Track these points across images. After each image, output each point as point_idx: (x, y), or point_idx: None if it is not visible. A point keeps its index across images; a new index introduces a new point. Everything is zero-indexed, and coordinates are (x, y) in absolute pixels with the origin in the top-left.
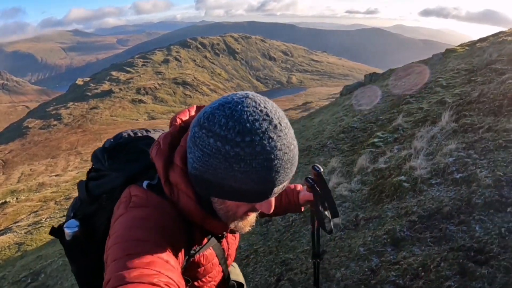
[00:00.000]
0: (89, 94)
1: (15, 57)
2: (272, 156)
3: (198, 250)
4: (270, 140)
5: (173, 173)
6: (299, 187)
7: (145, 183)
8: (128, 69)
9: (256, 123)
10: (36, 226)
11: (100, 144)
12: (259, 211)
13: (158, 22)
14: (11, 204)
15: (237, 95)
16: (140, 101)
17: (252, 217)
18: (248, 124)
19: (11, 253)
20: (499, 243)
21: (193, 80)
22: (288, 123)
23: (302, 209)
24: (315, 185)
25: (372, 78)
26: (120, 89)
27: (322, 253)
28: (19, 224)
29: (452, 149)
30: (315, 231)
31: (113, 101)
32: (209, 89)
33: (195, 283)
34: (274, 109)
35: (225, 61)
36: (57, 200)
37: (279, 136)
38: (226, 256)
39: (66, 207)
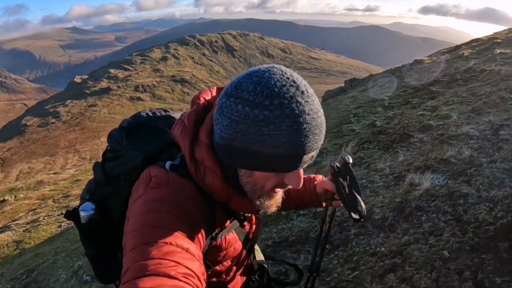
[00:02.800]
0: (87, 91)
1: (13, 55)
2: (301, 119)
3: (220, 233)
4: (298, 104)
5: (199, 149)
6: (319, 177)
7: (167, 164)
8: (126, 66)
9: (284, 88)
10: (34, 224)
11: (98, 142)
12: (288, 186)
13: (157, 19)
14: (9, 202)
15: (263, 66)
16: (138, 98)
17: (279, 196)
18: (276, 89)
19: (10, 251)
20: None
21: (191, 77)
22: (314, 93)
23: (323, 204)
24: (339, 174)
25: (352, 84)
26: (118, 87)
27: (317, 268)
28: (17, 222)
29: None
30: (322, 235)
31: (111, 99)
32: (207, 87)
33: (217, 267)
34: (300, 78)
35: (224, 58)
36: (55, 198)
37: (307, 101)
38: (249, 238)
39: (64, 205)
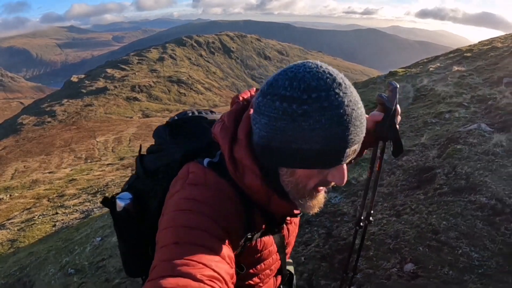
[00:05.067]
0: (84, 91)
1: (10, 53)
2: (341, 111)
3: (256, 235)
4: (337, 95)
5: (238, 148)
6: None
7: (205, 161)
8: (123, 66)
9: (321, 81)
10: (28, 223)
11: (94, 141)
12: (331, 184)
13: (155, 19)
14: (4, 201)
15: (297, 62)
16: (135, 98)
17: (322, 196)
18: (312, 82)
19: (4, 250)
20: None
21: (188, 78)
22: (352, 85)
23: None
24: (388, 102)
25: None
26: (115, 87)
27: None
28: (12, 221)
29: None
30: (372, 176)
31: (108, 99)
32: (204, 88)
33: (251, 270)
34: (336, 71)
35: (220, 59)
36: (50, 197)
37: (345, 93)
38: (285, 244)
39: (59, 204)
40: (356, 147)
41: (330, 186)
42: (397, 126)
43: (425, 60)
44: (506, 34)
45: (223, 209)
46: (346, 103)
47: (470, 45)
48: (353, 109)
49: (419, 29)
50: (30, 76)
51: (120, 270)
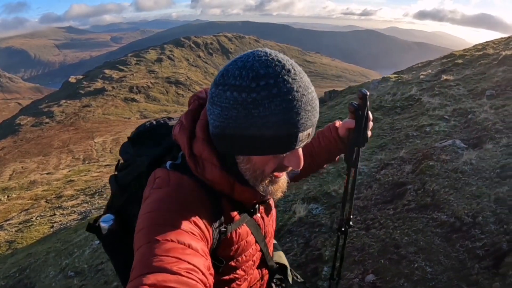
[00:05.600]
0: (82, 92)
1: (8, 53)
2: (290, 97)
3: (230, 227)
4: (285, 82)
5: (196, 144)
6: (338, 122)
7: (168, 164)
8: (121, 67)
9: (269, 69)
10: (26, 224)
11: (92, 142)
12: (288, 168)
13: (153, 20)
14: (2, 202)
15: (248, 51)
16: (133, 99)
17: (283, 180)
18: (261, 70)
19: (2, 251)
20: None
21: (186, 79)
22: (302, 71)
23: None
24: (359, 109)
25: (331, 96)
26: (113, 87)
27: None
28: (10, 222)
29: None
30: (348, 183)
31: (106, 99)
32: (201, 88)
33: (231, 263)
34: (286, 57)
35: (219, 60)
36: (48, 198)
37: (294, 79)
38: (263, 234)
39: (57, 205)
40: (310, 131)
41: (288, 170)
42: (369, 133)
43: (420, 65)
44: (501, 38)
45: (187, 203)
46: (295, 89)
47: (464, 49)
48: (303, 95)
49: (417, 30)
50: (28, 77)
51: None
